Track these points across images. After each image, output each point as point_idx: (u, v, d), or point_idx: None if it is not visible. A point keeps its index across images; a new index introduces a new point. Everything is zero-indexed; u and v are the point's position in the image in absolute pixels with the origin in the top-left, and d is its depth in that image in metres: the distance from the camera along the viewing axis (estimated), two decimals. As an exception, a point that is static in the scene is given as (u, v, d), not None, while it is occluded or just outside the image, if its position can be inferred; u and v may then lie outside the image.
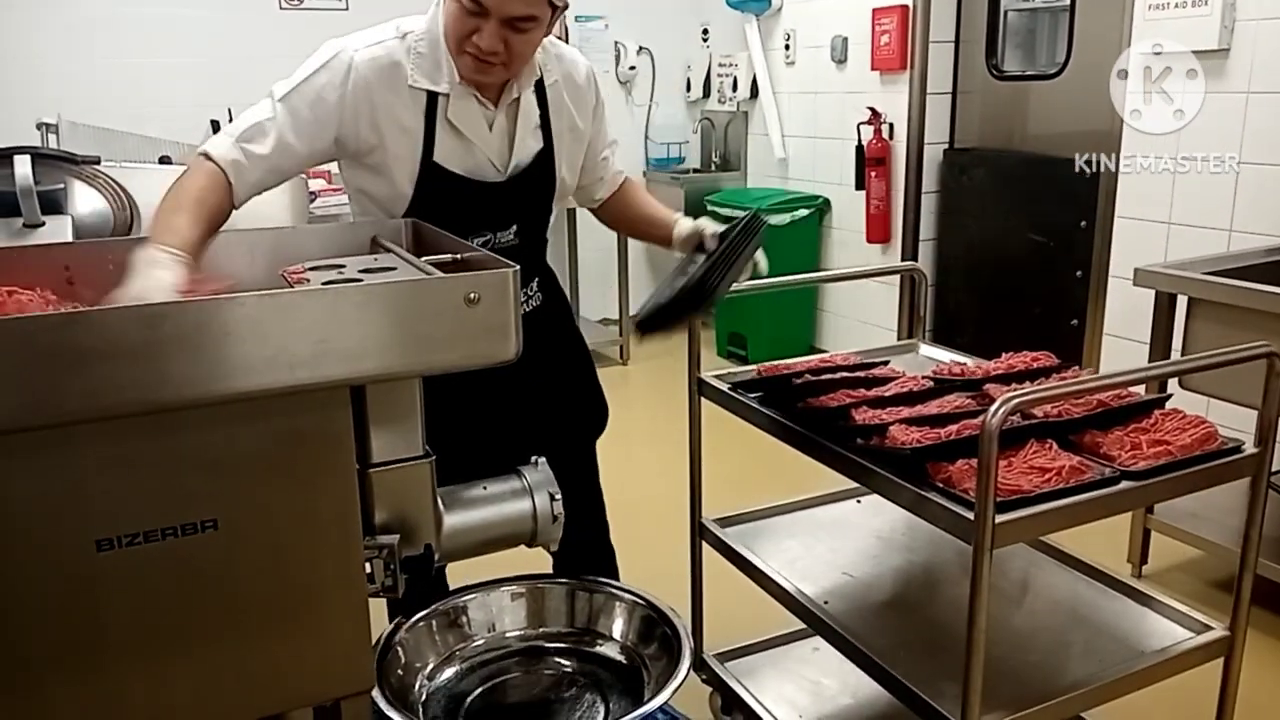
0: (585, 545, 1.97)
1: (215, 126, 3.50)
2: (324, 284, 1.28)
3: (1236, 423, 1.78)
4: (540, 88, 1.77)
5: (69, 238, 1.95)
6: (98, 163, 2.14)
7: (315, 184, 3.97)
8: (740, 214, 1.74)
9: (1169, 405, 1.63)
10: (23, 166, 1.97)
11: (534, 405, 1.88)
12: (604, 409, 2.03)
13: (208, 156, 1.58)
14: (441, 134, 1.69)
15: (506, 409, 1.83)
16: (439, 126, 1.68)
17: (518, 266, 1.20)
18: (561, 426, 1.90)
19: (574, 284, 4.93)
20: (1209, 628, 1.64)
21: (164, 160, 2.89)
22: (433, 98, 1.67)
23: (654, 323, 1.58)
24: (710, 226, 1.76)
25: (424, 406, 1.28)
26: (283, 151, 1.62)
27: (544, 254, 1.95)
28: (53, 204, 2.02)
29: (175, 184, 1.54)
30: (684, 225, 1.81)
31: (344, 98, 1.63)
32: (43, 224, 1.96)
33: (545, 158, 1.80)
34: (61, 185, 2.06)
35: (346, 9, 4.75)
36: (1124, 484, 1.43)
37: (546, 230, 1.92)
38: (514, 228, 1.80)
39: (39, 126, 3.05)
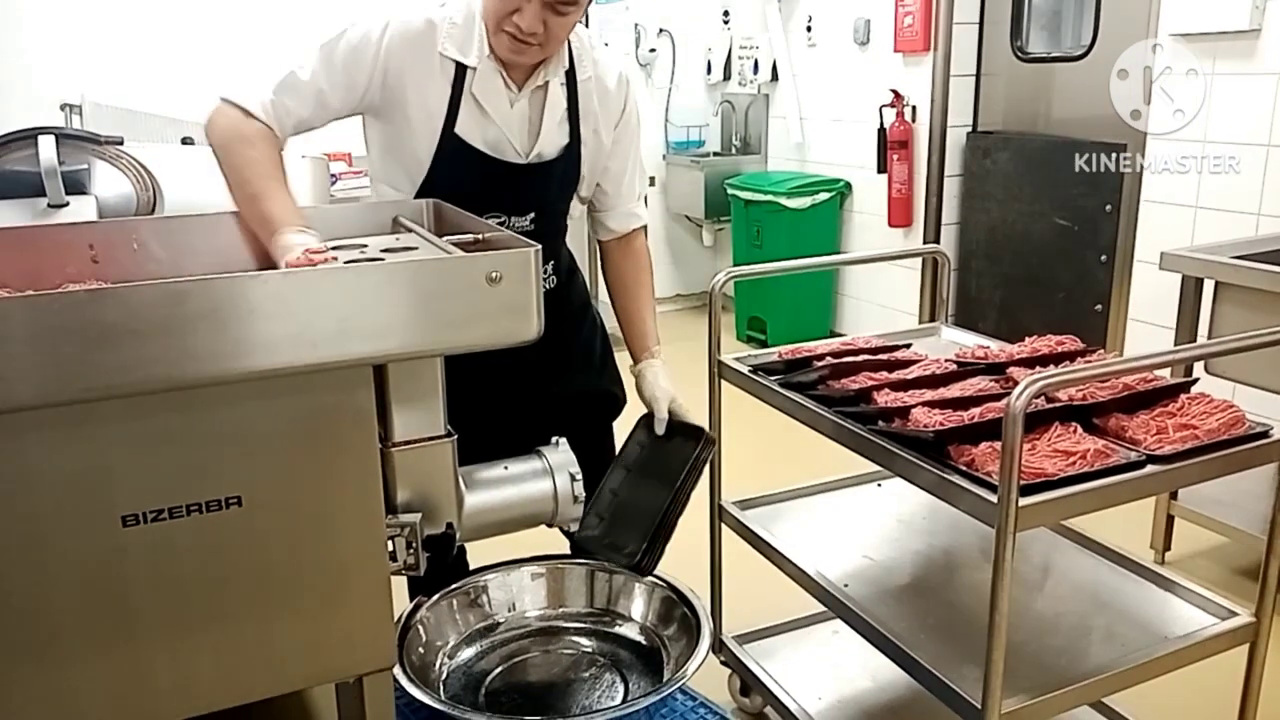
0: None
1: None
2: (347, 263, 1.28)
3: (1264, 408, 1.76)
4: (572, 81, 1.77)
5: (93, 217, 1.96)
6: (121, 143, 2.14)
7: (336, 166, 3.97)
8: (695, 426, 1.74)
9: (1195, 390, 1.61)
10: (47, 148, 1.97)
11: (550, 386, 1.88)
12: (621, 391, 2.03)
13: (248, 113, 1.59)
14: (465, 107, 1.69)
15: (523, 389, 1.83)
16: (464, 99, 1.69)
17: (539, 246, 1.20)
18: (578, 407, 1.90)
19: (592, 268, 4.92)
20: (1234, 614, 1.62)
21: (186, 141, 2.90)
22: (461, 70, 1.68)
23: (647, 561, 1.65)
24: (661, 408, 1.76)
25: (444, 386, 1.29)
26: (318, 104, 1.65)
27: (562, 239, 1.94)
28: (77, 184, 2.03)
29: (244, 153, 1.55)
30: (646, 379, 1.82)
31: (378, 54, 1.65)
32: (67, 204, 1.97)
33: (571, 152, 1.79)
34: (85, 166, 2.07)
35: (368, -10, 4.76)
36: (1149, 468, 1.41)
37: (565, 218, 1.92)
38: (531, 215, 1.79)
39: (63, 108, 3.07)
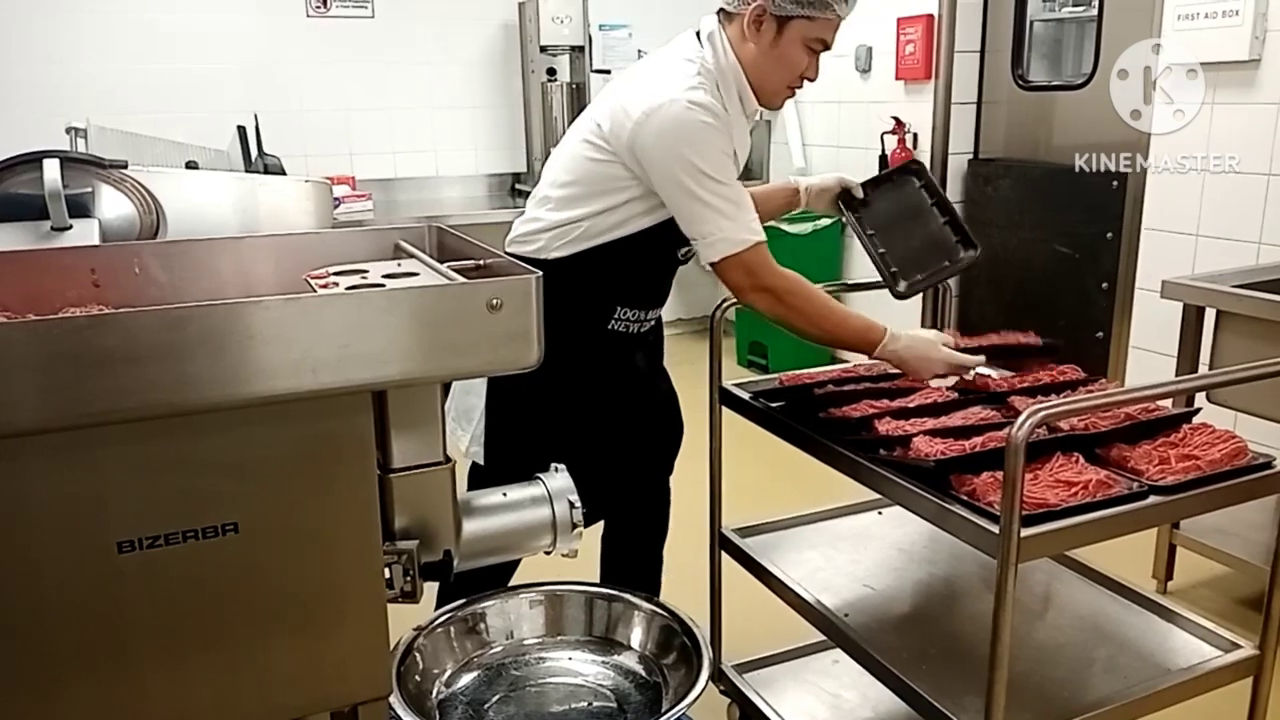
0: (641, 555, 2.11)
1: (241, 132, 3.52)
2: (348, 289, 1.28)
3: (1266, 438, 1.75)
4: None
5: (96, 241, 1.96)
6: (125, 167, 2.15)
7: (339, 190, 3.99)
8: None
9: (1197, 420, 1.61)
10: (51, 170, 1.98)
11: (663, 411, 2.06)
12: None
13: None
14: None
15: (650, 412, 2.03)
16: None
17: (540, 273, 1.20)
18: (662, 404, 2.05)
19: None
20: (1237, 646, 1.61)
21: (191, 165, 2.90)
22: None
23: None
24: (847, 179, 2.08)
25: (443, 413, 1.29)
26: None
27: None
28: (80, 208, 2.03)
29: (805, 291, 1.86)
30: (817, 179, 2.13)
31: (726, 137, 1.77)
32: (70, 227, 1.97)
33: None
34: (89, 189, 2.08)
35: (372, 16, 4.77)
36: (1152, 499, 1.41)
37: None
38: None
39: (68, 131, 3.08)
